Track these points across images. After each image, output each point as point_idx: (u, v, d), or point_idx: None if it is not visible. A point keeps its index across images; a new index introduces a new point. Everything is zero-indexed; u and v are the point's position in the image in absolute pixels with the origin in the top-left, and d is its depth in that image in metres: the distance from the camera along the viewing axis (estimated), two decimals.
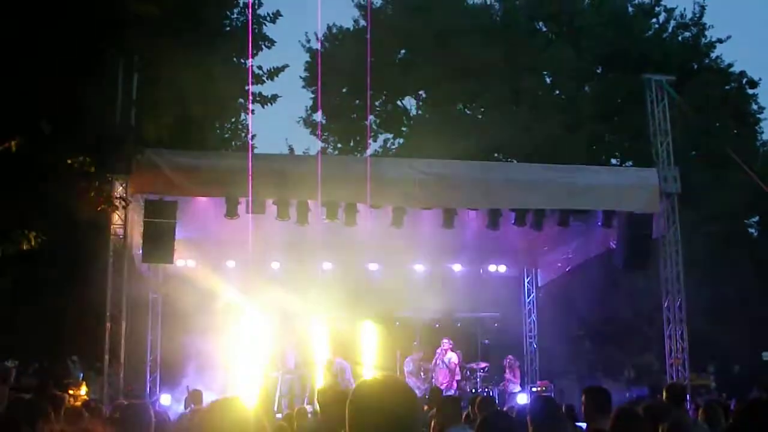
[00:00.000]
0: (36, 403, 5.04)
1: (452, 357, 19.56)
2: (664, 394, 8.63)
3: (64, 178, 12.25)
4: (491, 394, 18.98)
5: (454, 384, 19.19)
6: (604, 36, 31.85)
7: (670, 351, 16.97)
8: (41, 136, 11.45)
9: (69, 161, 12.10)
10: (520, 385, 20.07)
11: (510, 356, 20.69)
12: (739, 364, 24.34)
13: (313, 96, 36.20)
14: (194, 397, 14.53)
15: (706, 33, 33.99)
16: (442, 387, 18.24)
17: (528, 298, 22.67)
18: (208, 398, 15.72)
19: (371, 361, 20.22)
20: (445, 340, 19.81)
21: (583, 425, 7.69)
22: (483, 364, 19.85)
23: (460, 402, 8.89)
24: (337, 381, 18.08)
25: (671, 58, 30.12)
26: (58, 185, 12.24)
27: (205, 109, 19.60)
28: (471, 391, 19.00)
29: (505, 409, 13.62)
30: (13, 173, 11.65)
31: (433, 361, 19.53)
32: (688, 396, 16.03)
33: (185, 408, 14.39)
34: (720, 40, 33.78)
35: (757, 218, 33.24)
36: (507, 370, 20.31)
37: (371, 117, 36.23)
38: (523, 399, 18.31)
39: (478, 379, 19.59)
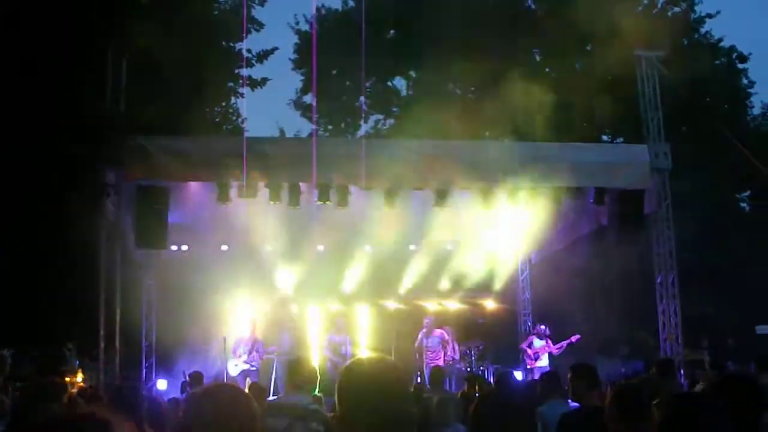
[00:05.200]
0: (49, 386, 5.05)
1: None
2: (654, 369, 8.70)
3: (55, 166, 12.26)
4: (485, 372, 19.05)
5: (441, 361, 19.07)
6: (593, 12, 31.74)
7: (663, 327, 17.06)
8: (32, 124, 11.47)
9: (60, 148, 12.12)
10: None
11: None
12: (733, 339, 24.40)
13: (303, 78, 36.18)
14: (195, 379, 14.56)
15: (696, 8, 33.97)
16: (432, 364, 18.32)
17: (521, 275, 22.72)
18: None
19: (366, 342, 20.23)
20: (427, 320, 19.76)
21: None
22: (477, 343, 19.86)
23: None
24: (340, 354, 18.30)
25: (661, 33, 30.04)
26: (50, 172, 12.25)
27: (194, 93, 19.61)
28: (465, 369, 19.07)
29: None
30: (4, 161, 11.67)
31: (418, 340, 19.46)
32: (681, 370, 16.22)
33: (182, 392, 14.43)
34: (709, 15, 33.78)
35: (748, 193, 33.32)
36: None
37: (362, 98, 36.23)
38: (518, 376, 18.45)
39: (473, 358, 19.62)
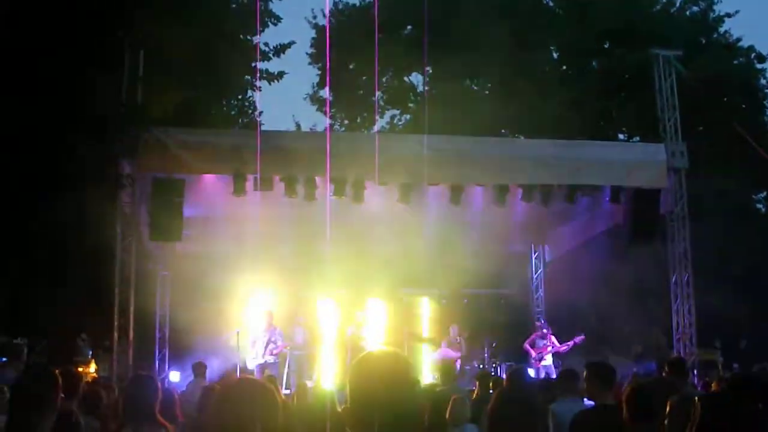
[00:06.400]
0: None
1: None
2: (666, 369, 8.66)
3: (71, 158, 12.29)
4: (498, 370, 19.03)
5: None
6: (611, 10, 31.67)
7: (677, 326, 17.02)
8: (48, 116, 11.50)
9: (76, 140, 12.15)
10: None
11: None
12: (746, 339, 24.35)
13: (319, 72, 36.18)
14: (198, 369, 14.59)
15: (714, 7, 33.78)
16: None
17: (536, 273, 22.69)
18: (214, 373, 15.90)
19: (378, 337, 20.21)
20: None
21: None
22: (490, 341, 19.85)
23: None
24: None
25: (679, 32, 29.93)
26: (66, 164, 12.29)
27: (211, 86, 19.62)
28: (478, 366, 19.06)
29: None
30: (25, 152, 11.72)
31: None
32: (695, 371, 16.20)
33: (190, 382, 14.46)
34: (728, 15, 33.60)
35: (765, 193, 33.18)
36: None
37: (378, 93, 36.18)
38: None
39: (486, 355, 19.61)
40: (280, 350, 18.01)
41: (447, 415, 7.91)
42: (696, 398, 3.76)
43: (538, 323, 19.76)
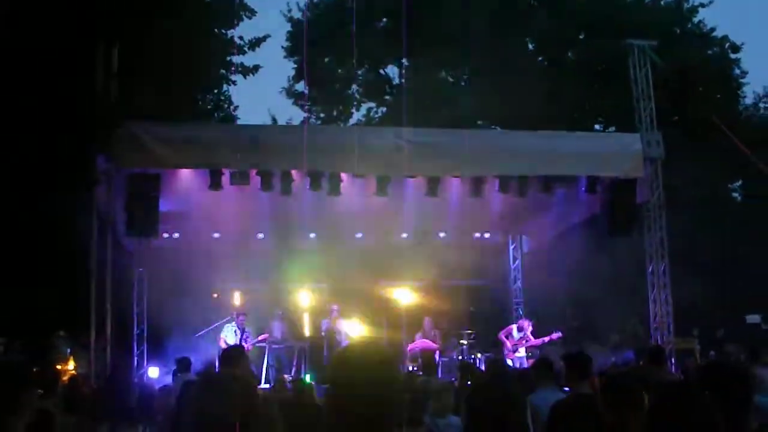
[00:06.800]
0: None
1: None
2: (644, 358, 8.73)
3: (46, 153, 12.21)
4: (477, 361, 19.04)
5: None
6: (586, 2, 31.76)
7: (654, 315, 17.10)
8: (21, 113, 11.41)
9: (51, 136, 12.07)
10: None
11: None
12: (722, 328, 24.48)
13: (295, 66, 36.11)
14: (182, 364, 14.52)
15: None
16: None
17: (513, 264, 22.73)
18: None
19: (358, 328, 20.20)
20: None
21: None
22: (469, 332, 19.85)
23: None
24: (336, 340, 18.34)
25: (654, 23, 30.05)
26: (41, 160, 12.21)
27: (186, 81, 19.52)
28: (457, 358, 19.07)
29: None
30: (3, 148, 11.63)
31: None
32: (673, 359, 16.29)
33: (173, 378, 14.39)
34: (702, 5, 33.81)
35: (740, 182, 33.37)
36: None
37: (354, 86, 36.16)
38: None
39: (465, 347, 19.62)
40: (249, 349, 17.98)
41: (432, 405, 7.89)
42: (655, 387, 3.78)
43: (519, 320, 19.70)
